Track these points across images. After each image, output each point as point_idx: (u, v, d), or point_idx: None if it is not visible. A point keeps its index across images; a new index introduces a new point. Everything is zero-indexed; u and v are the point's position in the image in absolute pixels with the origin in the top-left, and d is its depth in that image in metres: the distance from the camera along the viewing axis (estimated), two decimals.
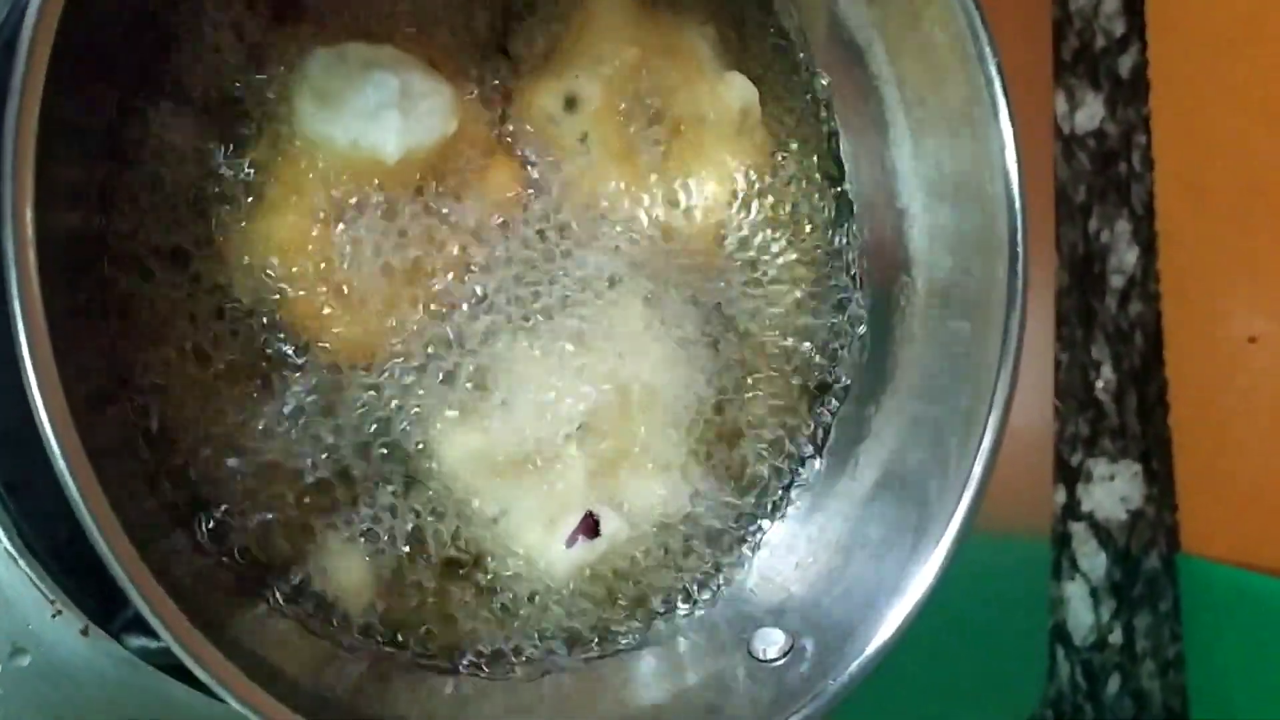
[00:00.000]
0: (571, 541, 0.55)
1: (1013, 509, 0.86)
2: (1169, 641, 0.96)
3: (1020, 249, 0.55)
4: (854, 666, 0.52)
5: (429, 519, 0.54)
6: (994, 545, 0.82)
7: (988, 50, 0.54)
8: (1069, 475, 0.92)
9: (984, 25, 0.54)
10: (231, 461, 0.50)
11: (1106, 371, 0.93)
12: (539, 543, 0.54)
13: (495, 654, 0.55)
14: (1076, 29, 0.92)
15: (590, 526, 0.55)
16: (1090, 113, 0.93)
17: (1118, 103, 0.94)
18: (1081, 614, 0.93)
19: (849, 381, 0.61)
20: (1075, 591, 0.92)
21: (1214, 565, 0.94)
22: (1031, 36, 0.89)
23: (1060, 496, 0.91)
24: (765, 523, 0.60)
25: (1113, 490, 0.93)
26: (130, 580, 0.38)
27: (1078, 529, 0.93)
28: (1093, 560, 0.93)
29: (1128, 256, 0.94)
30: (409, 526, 0.53)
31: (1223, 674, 0.94)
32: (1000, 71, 0.54)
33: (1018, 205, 0.55)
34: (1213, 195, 0.92)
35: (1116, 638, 0.94)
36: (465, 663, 0.54)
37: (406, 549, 0.53)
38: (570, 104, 0.56)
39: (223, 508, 0.50)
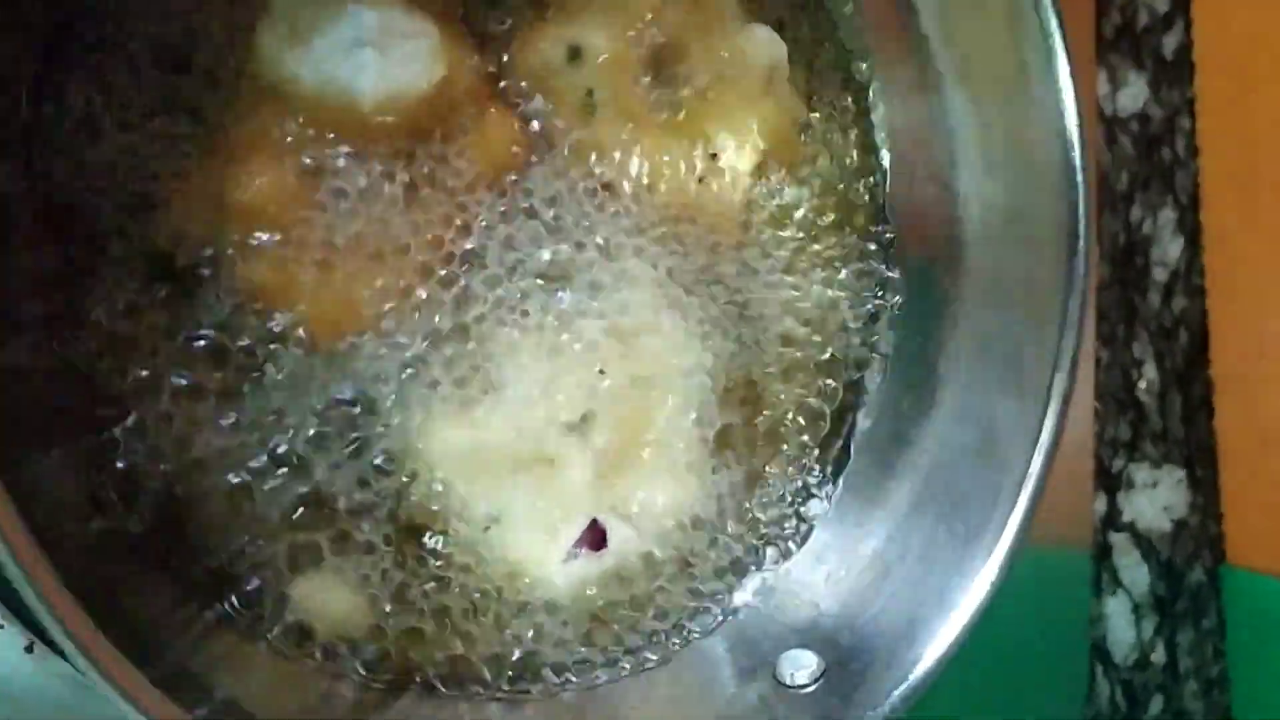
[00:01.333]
0: (574, 554, 0.48)
1: (1051, 518, 0.79)
2: (1212, 659, 0.90)
3: (1082, 228, 0.49)
4: (895, 695, 0.46)
5: (414, 524, 0.48)
6: (1030, 557, 0.77)
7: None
8: (1109, 482, 0.86)
9: None
10: (188, 454, 0.44)
11: (1149, 371, 0.88)
12: (538, 553, 0.48)
13: (491, 674, 0.49)
14: (1119, 4, 0.87)
15: (596, 537, 0.49)
16: (1133, 94, 0.87)
17: (1161, 84, 0.88)
18: (1122, 631, 0.87)
19: (885, 375, 0.55)
20: (1116, 607, 0.87)
21: (1260, 577, 0.88)
22: (1072, 9, 0.83)
23: (1100, 505, 0.86)
24: (791, 530, 0.54)
25: (1155, 498, 0.88)
26: (40, 598, 0.31)
27: (1119, 540, 0.87)
28: (1134, 573, 0.87)
29: (1171, 248, 0.88)
30: (391, 533, 0.47)
31: (1269, 693, 0.89)
32: (1060, 21, 0.48)
33: (1079, 178, 0.49)
34: (1262, 184, 0.87)
35: (1159, 656, 0.88)
36: (456, 684, 0.48)
37: (389, 561, 0.47)
38: (574, 55, 0.49)
39: (178, 512, 0.44)
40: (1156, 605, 0.88)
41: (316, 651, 0.46)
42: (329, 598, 0.45)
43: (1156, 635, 0.88)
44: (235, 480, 0.45)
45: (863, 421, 0.55)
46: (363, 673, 0.46)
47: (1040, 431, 0.47)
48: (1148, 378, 0.88)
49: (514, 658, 0.49)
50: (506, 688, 0.49)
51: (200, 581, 0.44)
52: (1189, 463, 0.88)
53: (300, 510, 0.46)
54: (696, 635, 0.52)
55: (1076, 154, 0.48)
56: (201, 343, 0.45)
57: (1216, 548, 0.90)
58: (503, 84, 0.49)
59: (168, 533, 0.44)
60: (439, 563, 0.48)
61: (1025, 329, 0.50)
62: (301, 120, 0.44)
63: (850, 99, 0.55)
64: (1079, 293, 0.49)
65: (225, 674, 0.43)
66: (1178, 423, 0.89)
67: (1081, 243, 0.49)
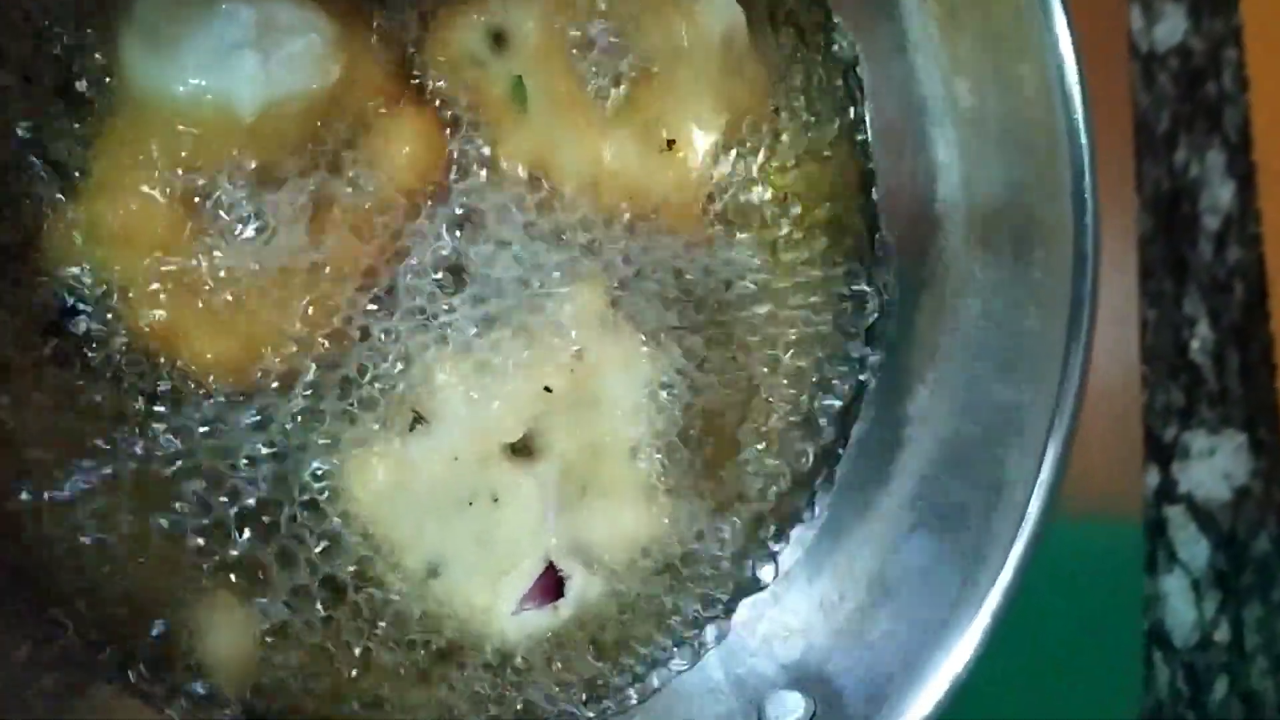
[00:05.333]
0: (526, 605, 0.44)
1: (1098, 496, 0.77)
2: None
3: (1088, 196, 0.43)
4: None
5: (344, 578, 0.43)
6: (1079, 539, 0.74)
7: None
8: (1162, 453, 0.82)
9: None
10: (74, 514, 0.40)
11: (1202, 329, 0.83)
12: (487, 605, 0.44)
13: None
14: None
15: (551, 585, 0.44)
16: (1171, 26, 0.82)
17: (1203, 12, 0.82)
18: (1181, 611, 0.83)
19: (874, 375, 0.49)
20: (1174, 586, 0.82)
21: None
22: None
23: (1153, 478, 0.81)
24: (775, 554, 0.49)
25: (1214, 466, 0.83)
26: None
27: (1174, 513, 0.82)
28: (1193, 548, 0.83)
29: (1222, 193, 0.83)
30: (317, 588, 0.43)
31: None
32: None
33: (1083, 140, 0.43)
34: None
35: (1223, 635, 0.84)
36: None
37: (317, 619, 0.43)
38: (497, 40, 0.44)
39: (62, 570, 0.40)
40: (1218, 580, 0.83)
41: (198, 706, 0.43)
42: (241, 658, 0.42)
43: (1220, 613, 0.83)
44: (140, 533, 0.42)
45: (853, 432, 0.49)
46: None
47: (1048, 438, 0.42)
48: (1201, 336, 0.83)
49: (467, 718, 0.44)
50: None
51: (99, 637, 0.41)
52: (1250, 425, 0.83)
53: (217, 566, 0.42)
54: (671, 677, 0.47)
55: (1080, 117, 0.42)
56: (95, 396, 0.41)
57: None
58: (416, 80, 0.44)
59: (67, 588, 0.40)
60: (374, 620, 0.44)
61: (1031, 318, 0.44)
62: (179, 138, 0.39)
63: (824, 67, 0.49)
64: (1089, 277, 0.43)
65: None
66: (1236, 383, 0.84)
67: (1089, 217, 0.43)
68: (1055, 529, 0.50)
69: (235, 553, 0.43)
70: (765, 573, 0.49)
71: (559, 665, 0.46)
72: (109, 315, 0.41)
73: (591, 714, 0.46)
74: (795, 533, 0.49)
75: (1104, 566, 0.79)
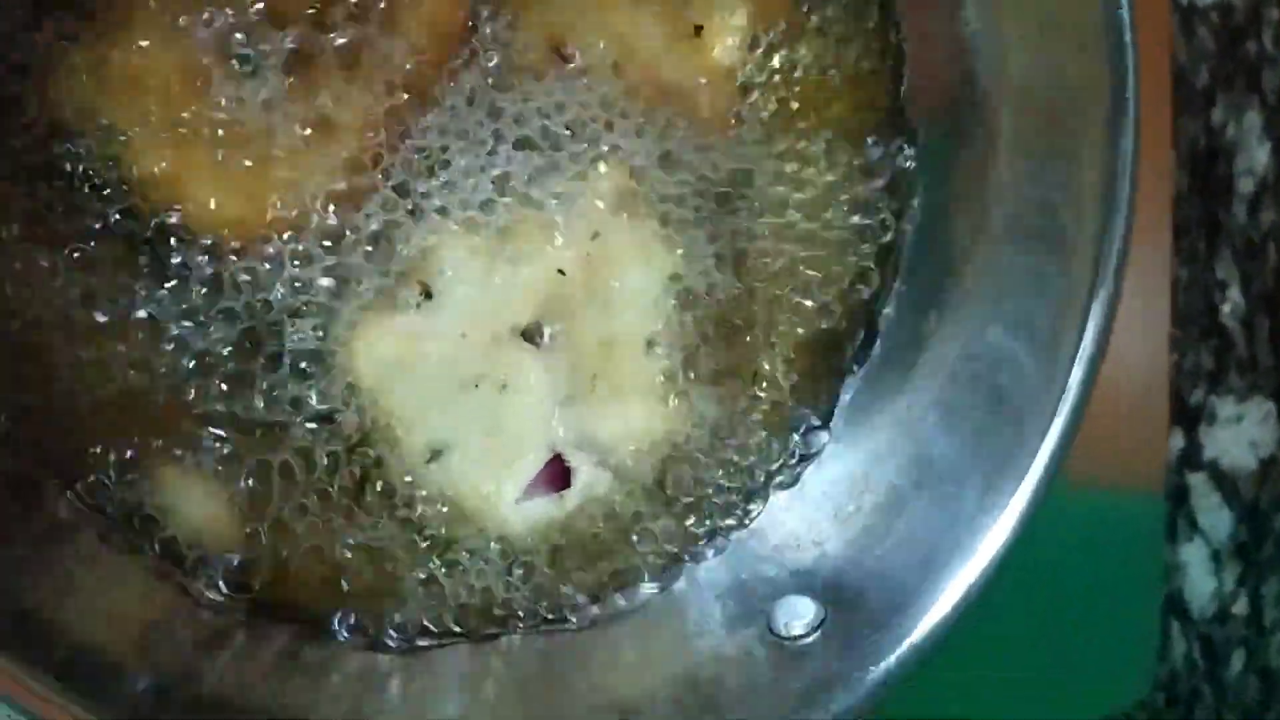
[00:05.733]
0: (530, 495, 0.43)
1: (1120, 457, 0.75)
2: None
3: (1130, 96, 0.42)
4: (903, 647, 0.41)
5: (338, 452, 0.43)
6: (1097, 501, 0.72)
7: None
8: (1188, 417, 0.80)
9: None
10: (59, 371, 0.40)
11: (1233, 293, 0.82)
12: (491, 491, 0.44)
13: (425, 627, 0.44)
14: None
15: (557, 475, 0.44)
16: None
17: None
18: (1200, 581, 0.82)
19: (899, 279, 0.48)
20: (1193, 555, 0.81)
21: None
22: None
23: (1177, 441, 0.79)
24: (791, 460, 0.48)
25: (1240, 434, 0.82)
26: None
27: (1197, 480, 0.81)
28: (1214, 517, 0.82)
29: (1259, 155, 0.81)
30: (310, 463, 0.43)
31: None
32: None
33: (1127, 38, 0.41)
34: None
35: (1241, 608, 0.83)
36: (389, 637, 0.44)
37: (305, 493, 0.43)
38: None
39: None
40: (1239, 552, 0.82)
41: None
42: (223, 523, 0.42)
43: (1239, 585, 0.83)
44: (120, 384, 0.42)
45: (877, 338, 0.48)
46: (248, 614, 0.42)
47: (1079, 348, 0.41)
48: (1232, 300, 0.83)
49: (450, 606, 0.44)
50: (437, 638, 0.44)
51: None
52: (1279, 394, 0.82)
53: (202, 424, 0.42)
54: (678, 581, 0.47)
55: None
56: (90, 244, 0.41)
57: None
58: None
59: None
60: (369, 499, 0.44)
61: (1067, 211, 0.43)
62: None
63: None
64: (1127, 180, 0.42)
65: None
66: (1266, 351, 0.83)
67: (1131, 111, 0.42)
68: (1075, 491, 0.49)
69: (225, 412, 0.42)
70: (779, 478, 0.47)
71: (561, 558, 0.45)
72: (110, 162, 0.40)
73: (595, 610, 0.45)
74: (812, 439, 0.48)
75: (1123, 534, 0.78)
